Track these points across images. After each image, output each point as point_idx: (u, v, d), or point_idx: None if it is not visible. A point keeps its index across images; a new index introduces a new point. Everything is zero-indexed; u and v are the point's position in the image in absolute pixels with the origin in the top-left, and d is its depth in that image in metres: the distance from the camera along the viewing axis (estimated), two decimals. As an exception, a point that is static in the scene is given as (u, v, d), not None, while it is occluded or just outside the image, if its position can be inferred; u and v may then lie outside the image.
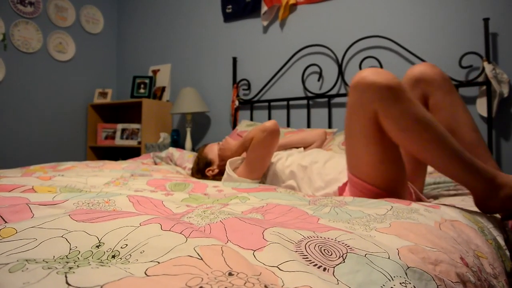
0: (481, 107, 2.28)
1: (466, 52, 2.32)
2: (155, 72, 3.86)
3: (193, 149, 3.35)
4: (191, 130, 3.36)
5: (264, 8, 3.08)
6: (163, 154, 2.36)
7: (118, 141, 3.61)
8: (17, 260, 0.47)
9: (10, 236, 0.55)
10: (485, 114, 2.25)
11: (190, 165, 2.16)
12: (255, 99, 3.17)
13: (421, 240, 0.65)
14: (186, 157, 2.27)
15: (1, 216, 0.64)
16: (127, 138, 3.59)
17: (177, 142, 3.38)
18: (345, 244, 0.57)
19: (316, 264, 0.51)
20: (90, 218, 0.59)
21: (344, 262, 0.53)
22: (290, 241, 0.55)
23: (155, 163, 2.33)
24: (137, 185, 1.17)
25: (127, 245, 0.50)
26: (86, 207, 0.72)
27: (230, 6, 3.35)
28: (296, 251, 0.53)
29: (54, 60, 3.63)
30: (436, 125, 1.03)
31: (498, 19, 2.28)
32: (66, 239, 0.54)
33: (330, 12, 2.87)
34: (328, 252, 0.55)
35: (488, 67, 2.18)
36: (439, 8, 2.47)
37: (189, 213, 0.71)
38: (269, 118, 3.04)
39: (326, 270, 0.50)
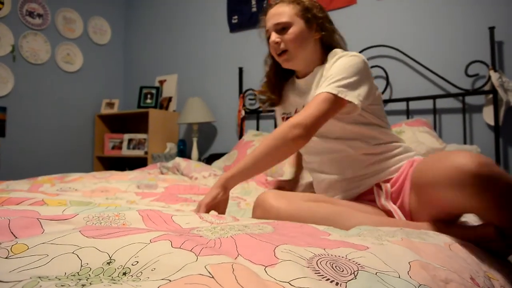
0: (488, 115, 2.27)
1: (472, 60, 2.32)
2: (161, 82, 3.89)
3: (199, 159, 3.36)
4: (197, 140, 3.37)
5: (270, 19, 3.09)
6: (170, 164, 2.37)
7: (125, 151, 3.63)
8: (30, 277, 0.47)
9: (22, 252, 0.55)
10: (492, 122, 2.24)
11: (197, 174, 2.16)
12: (261, 108, 3.17)
13: (431, 258, 0.65)
14: (193, 167, 2.27)
15: (11, 232, 0.64)
16: (133, 148, 3.61)
17: (183, 152, 3.39)
18: (356, 262, 0.57)
19: (328, 279, 0.51)
20: (101, 234, 0.59)
21: (355, 278, 0.53)
22: (302, 257, 0.55)
23: (162, 173, 2.33)
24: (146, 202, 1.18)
25: (138, 262, 0.50)
26: (96, 221, 0.73)
27: (236, 17, 3.38)
28: (308, 267, 0.53)
29: (62, 71, 3.67)
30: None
31: (503, 28, 2.28)
32: (77, 255, 0.54)
33: (335, 22, 2.86)
34: (340, 268, 0.55)
35: (494, 76, 2.18)
36: (444, 17, 2.47)
37: (198, 228, 0.71)
38: (275, 128, 3.04)
39: (339, 285, 0.50)
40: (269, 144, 1.19)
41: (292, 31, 1.33)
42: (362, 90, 1.21)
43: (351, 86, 1.18)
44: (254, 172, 1.22)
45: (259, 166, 1.20)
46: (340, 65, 1.25)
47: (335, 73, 1.22)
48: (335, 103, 1.17)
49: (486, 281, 0.65)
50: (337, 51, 1.36)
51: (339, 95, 1.16)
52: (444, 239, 0.80)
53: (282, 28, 1.34)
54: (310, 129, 1.17)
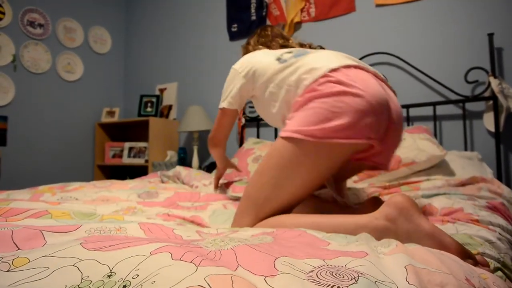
0: (488, 122, 2.27)
1: (472, 67, 2.32)
2: (161, 90, 3.90)
3: (200, 167, 3.36)
4: (198, 148, 3.37)
5: (269, 27, 3.11)
6: (170, 173, 2.36)
7: (126, 160, 3.63)
8: (31, 292, 0.48)
9: (23, 266, 0.55)
10: (492, 129, 2.24)
11: (197, 183, 2.15)
12: (262, 116, 3.18)
13: (425, 262, 0.65)
14: (193, 175, 2.26)
15: (14, 243, 0.65)
16: (134, 157, 3.61)
17: (184, 160, 3.39)
18: (356, 270, 0.57)
19: (329, 285, 0.51)
20: (101, 246, 0.59)
21: (357, 283, 0.53)
22: (302, 271, 0.55)
23: (163, 182, 2.33)
24: (147, 213, 1.18)
25: (138, 275, 0.50)
26: (98, 234, 0.73)
27: (235, 25, 3.39)
28: (308, 279, 0.53)
29: (62, 80, 3.68)
30: None
31: (502, 34, 2.29)
32: (78, 268, 0.54)
33: (335, 29, 2.89)
34: (340, 275, 0.55)
35: (494, 82, 2.18)
36: (443, 24, 2.48)
37: (198, 241, 0.71)
38: (276, 136, 3.05)
39: (341, 288, 0.51)
40: None
41: None
42: (231, 93, 1.44)
43: (224, 96, 1.47)
44: None
45: None
46: None
47: None
48: (222, 113, 1.50)
49: (481, 281, 0.65)
50: None
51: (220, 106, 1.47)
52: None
53: None
54: (209, 140, 1.65)
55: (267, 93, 1.33)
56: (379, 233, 0.90)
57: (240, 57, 1.54)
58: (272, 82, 1.31)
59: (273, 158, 1.13)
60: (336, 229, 0.96)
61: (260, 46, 1.62)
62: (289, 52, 1.37)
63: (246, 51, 1.69)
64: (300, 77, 1.20)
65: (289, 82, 1.23)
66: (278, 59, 1.34)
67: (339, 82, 1.11)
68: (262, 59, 1.40)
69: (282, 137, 1.12)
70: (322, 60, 1.22)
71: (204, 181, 2.13)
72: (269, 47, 1.61)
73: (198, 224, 1.23)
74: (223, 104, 1.44)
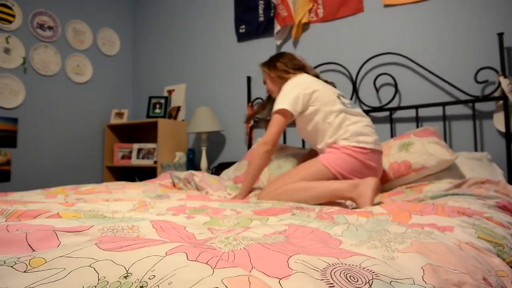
0: (499, 122, 2.26)
1: (482, 67, 2.31)
2: (170, 92, 3.92)
3: (208, 168, 3.37)
4: (206, 149, 3.38)
5: (277, 28, 3.11)
6: (182, 175, 2.30)
7: (135, 161, 3.65)
8: (49, 293, 0.48)
9: (40, 266, 0.56)
10: (502, 129, 2.23)
11: (212, 192, 2.10)
12: (270, 117, 3.17)
13: (442, 261, 0.65)
14: (209, 181, 2.20)
15: (29, 245, 0.65)
16: (143, 158, 3.63)
17: (193, 161, 3.40)
18: (370, 270, 0.57)
19: (343, 291, 0.51)
20: (117, 246, 0.59)
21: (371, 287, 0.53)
22: (315, 269, 0.55)
23: (174, 185, 2.31)
24: (158, 210, 1.19)
25: (154, 276, 0.51)
26: (110, 233, 0.73)
27: (243, 26, 3.40)
28: (322, 279, 0.53)
29: (72, 82, 3.71)
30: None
31: (513, 34, 2.28)
32: (94, 269, 0.55)
33: (343, 30, 2.89)
34: (354, 278, 0.55)
35: (504, 82, 2.17)
36: (453, 24, 2.47)
37: (211, 239, 0.71)
38: (285, 136, 3.05)
39: (353, 298, 0.50)
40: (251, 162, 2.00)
41: (267, 84, 2.25)
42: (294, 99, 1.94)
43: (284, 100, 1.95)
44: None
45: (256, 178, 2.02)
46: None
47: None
48: (282, 114, 1.96)
49: (498, 280, 0.65)
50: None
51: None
52: (454, 237, 0.80)
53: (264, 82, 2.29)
54: (273, 144, 1.95)
55: (324, 121, 1.90)
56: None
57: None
58: (332, 114, 1.89)
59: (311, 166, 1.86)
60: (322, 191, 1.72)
61: (297, 71, 2.10)
62: (343, 97, 2.02)
63: (277, 72, 2.12)
64: (350, 132, 1.86)
65: (345, 127, 1.88)
66: (339, 97, 1.97)
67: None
68: (322, 87, 1.98)
69: (322, 163, 1.84)
70: (361, 131, 1.89)
71: (219, 193, 2.08)
72: (307, 73, 2.11)
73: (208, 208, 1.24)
74: (284, 106, 1.92)
